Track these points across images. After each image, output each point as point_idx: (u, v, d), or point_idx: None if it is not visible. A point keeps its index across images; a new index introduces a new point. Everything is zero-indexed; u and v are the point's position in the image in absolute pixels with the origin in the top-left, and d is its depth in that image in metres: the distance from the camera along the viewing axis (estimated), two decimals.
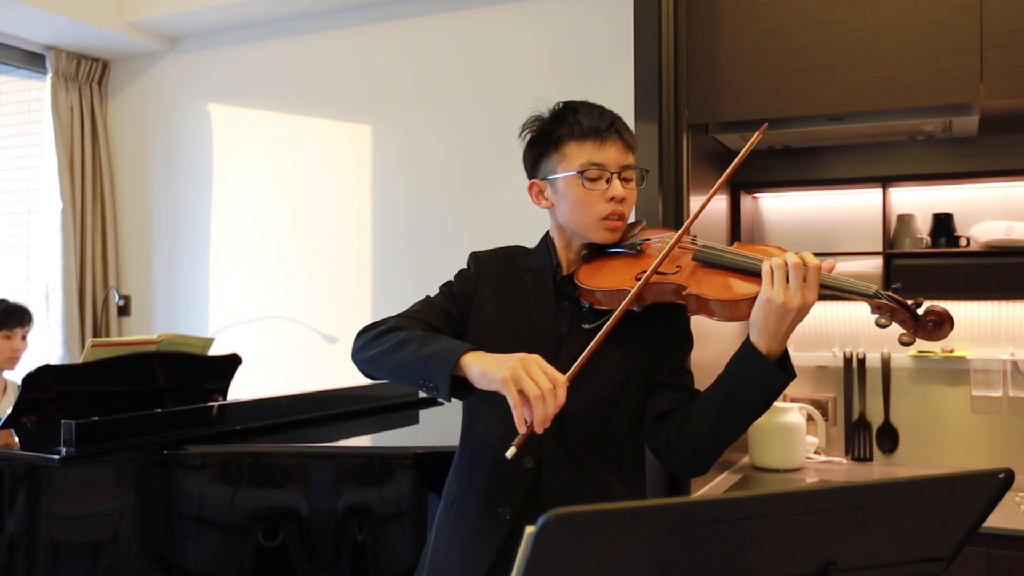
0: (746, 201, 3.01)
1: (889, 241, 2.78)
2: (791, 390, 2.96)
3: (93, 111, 4.31)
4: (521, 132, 1.66)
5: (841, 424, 2.89)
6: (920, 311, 1.40)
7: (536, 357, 1.37)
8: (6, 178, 4.40)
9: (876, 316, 1.41)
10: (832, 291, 1.41)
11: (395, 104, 3.81)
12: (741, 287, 1.45)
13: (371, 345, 1.55)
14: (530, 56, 3.52)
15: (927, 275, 2.73)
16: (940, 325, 1.39)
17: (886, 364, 2.83)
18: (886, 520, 0.94)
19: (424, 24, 3.75)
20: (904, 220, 2.79)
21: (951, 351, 2.75)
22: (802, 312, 1.37)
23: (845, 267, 2.84)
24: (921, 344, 2.80)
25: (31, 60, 4.19)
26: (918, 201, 2.82)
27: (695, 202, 2.50)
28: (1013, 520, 2.17)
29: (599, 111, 1.60)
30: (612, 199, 1.56)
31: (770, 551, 0.92)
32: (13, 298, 3.36)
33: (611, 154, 1.56)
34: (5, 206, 4.40)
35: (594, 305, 1.56)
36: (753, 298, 1.42)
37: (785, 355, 1.43)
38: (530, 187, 1.66)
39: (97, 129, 4.33)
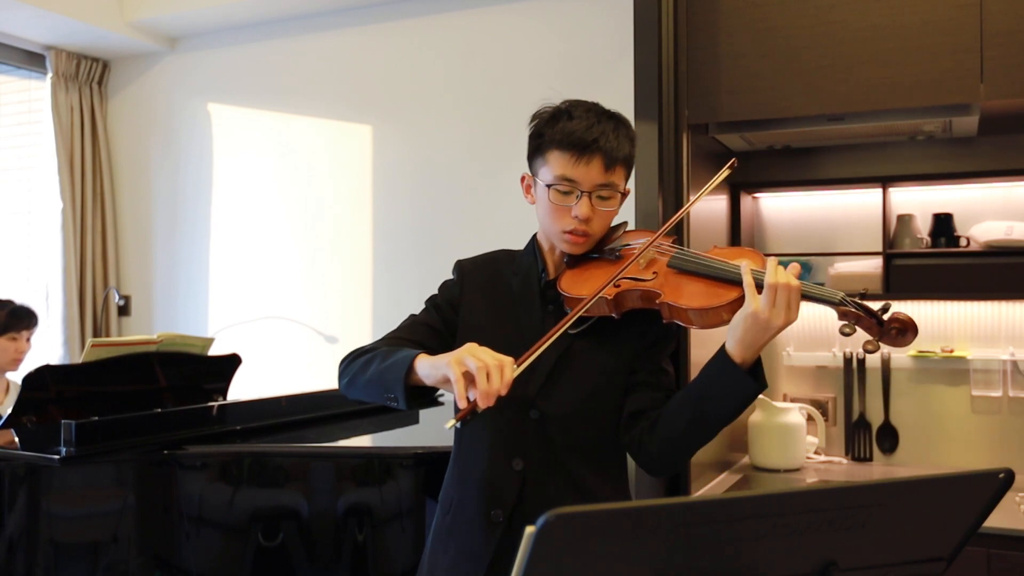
0: (746, 201, 3.01)
1: (889, 241, 2.78)
2: (791, 390, 2.96)
3: (93, 111, 4.31)
4: (530, 120, 1.63)
5: (841, 424, 2.89)
6: (885, 317, 1.39)
7: (485, 348, 1.38)
8: (6, 178, 4.39)
9: (842, 323, 1.41)
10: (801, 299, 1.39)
11: (395, 104, 3.80)
12: (715, 296, 1.44)
13: (347, 371, 1.58)
14: (530, 56, 3.52)
15: (927, 275, 2.73)
16: (903, 332, 1.39)
17: (886, 364, 2.83)
18: (886, 520, 0.94)
19: (424, 24, 3.75)
20: (904, 220, 2.79)
21: (951, 351, 2.75)
22: (782, 329, 1.38)
23: (845, 267, 2.85)
24: (921, 344, 2.80)
25: (31, 60, 4.19)
26: (918, 201, 2.82)
27: None
28: (1013, 520, 2.17)
29: (592, 122, 1.53)
30: (576, 217, 1.53)
31: (770, 551, 0.92)
32: (14, 299, 3.36)
33: (586, 172, 1.52)
34: (5, 206, 4.40)
35: None
36: (726, 306, 1.42)
37: (758, 364, 1.42)
38: (522, 179, 1.65)
39: (97, 129, 4.32)
